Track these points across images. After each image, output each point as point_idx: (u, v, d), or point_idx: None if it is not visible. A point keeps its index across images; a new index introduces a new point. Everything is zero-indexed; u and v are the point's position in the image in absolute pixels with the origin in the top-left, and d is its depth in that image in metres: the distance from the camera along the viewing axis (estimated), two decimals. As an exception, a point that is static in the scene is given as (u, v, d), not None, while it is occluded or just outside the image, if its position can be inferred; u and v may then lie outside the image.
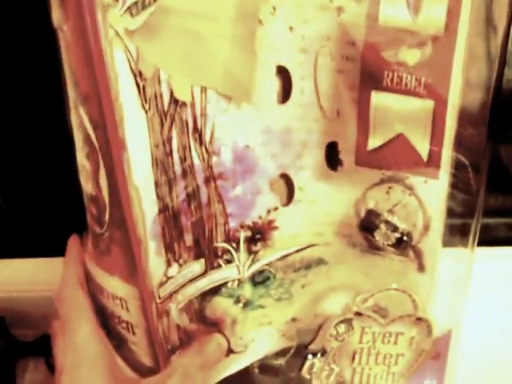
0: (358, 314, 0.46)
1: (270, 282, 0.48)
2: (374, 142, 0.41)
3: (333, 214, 0.46)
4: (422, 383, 0.52)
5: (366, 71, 0.40)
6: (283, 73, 0.42)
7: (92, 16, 0.35)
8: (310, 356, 0.47)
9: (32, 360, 0.63)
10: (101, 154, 0.40)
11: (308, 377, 0.48)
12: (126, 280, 0.43)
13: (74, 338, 0.44)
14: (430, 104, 0.40)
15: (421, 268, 0.47)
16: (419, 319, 0.46)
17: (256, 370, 0.50)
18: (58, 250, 0.48)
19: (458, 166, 0.42)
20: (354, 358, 0.48)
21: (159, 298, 0.43)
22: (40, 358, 0.63)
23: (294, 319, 0.50)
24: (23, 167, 0.57)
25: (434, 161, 0.41)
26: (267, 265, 0.47)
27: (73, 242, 0.47)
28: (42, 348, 0.62)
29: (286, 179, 0.45)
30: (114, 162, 0.38)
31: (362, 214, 0.45)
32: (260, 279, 0.48)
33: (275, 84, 0.43)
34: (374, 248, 0.47)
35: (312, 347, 0.47)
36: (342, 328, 0.46)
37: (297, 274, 0.48)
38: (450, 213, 0.45)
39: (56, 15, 0.38)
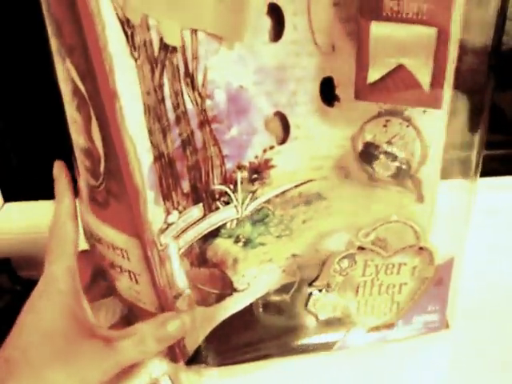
0: (361, 248, 0.47)
1: (268, 220, 0.48)
2: (373, 75, 0.41)
3: (330, 148, 0.47)
4: (426, 309, 0.54)
5: (365, 2, 0.39)
6: (275, 10, 0.41)
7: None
8: (315, 291, 0.48)
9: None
10: (91, 105, 0.39)
11: (314, 311, 0.50)
12: (125, 231, 0.44)
13: (48, 270, 0.45)
14: (432, 31, 0.39)
15: (420, 198, 0.47)
16: (421, 249, 0.47)
17: (260, 310, 0.52)
18: None
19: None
20: (357, 291, 0.50)
21: (161, 245, 0.44)
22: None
23: (294, 255, 0.51)
24: (29, 113, 0.57)
25: (436, 90, 0.40)
26: (265, 202, 0.48)
27: (59, 170, 0.47)
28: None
29: (281, 117, 0.45)
30: (106, 112, 0.38)
31: (360, 147, 0.45)
32: (259, 217, 0.48)
33: (267, 22, 0.42)
34: (372, 180, 0.47)
35: (317, 283, 0.48)
36: (345, 263, 0.47)
37: (296, 209, 0.49)
38: (453, 145, 0.45)
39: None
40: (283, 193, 0.48)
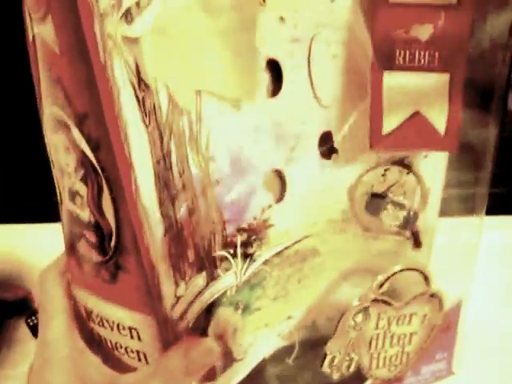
0: (375, 300, 0.46)
1: (266, 282, 0.47)
2: (389, 125, 0.41)
3: (327, 203, 0.46)
4: (434, 358, 0.54)
5: (377, 52, 0.40)
6: (273, 65, 0.41)
7: (90, 27, 0.33)
8: (329, 351, 0.47)
9: (12, 320, 0.66)
10: (104, 176, 0.37)
11: (329, 371, 0.48)
12: (137, 308, 0.41)
13: (45, 334, 0.43)
14: (445, 77, 0.40)
15: (417, 244, 0.48)
16: (431, 296, 0.47)
17: (266, 379, 0.50)
18: (38, 217, 0.45)
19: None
20: (370, 345, 0.49)
21: (172, 320, 0.41)
22: (21, 317, 0.66)
23: (289, 317, 0.50)
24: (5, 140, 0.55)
25: (451, 134, 0.41)
26: (263, 264, 0.46)
27: None
28: (22, 308, 0.65)
29: (279, 174, 0.45)
30: (121, 183, 0.36)
31: (358, 200, 0.45)
32: (256, 280, 0.47)
33: (265, 78, 0.41)
34: (367, 231, 0.47)
35: (333, 342, 0.47)
36: (359, 317, 0.47)
37: (292, 268, 0.48)
38: (458, 182, 0.46)
39: (42, 29, 0.35)
40: (280, 252, 0.47)
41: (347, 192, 0.46)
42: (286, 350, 0.50)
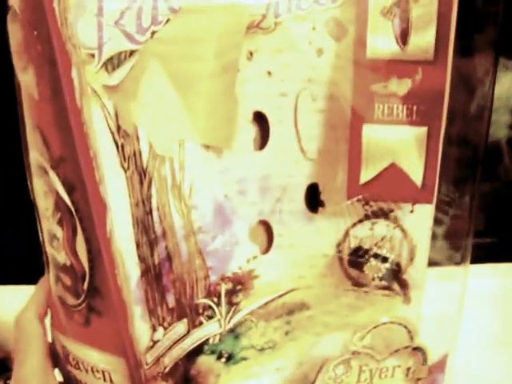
0: (356, 352, 0.45)
1: (252, 332, 0.47)
2: (366, 175, 0.41)
3: (314, 257, 0.46)
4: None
5: (356, 106, 0.40)
6: (260, 118, 0.42)
7: (67, 75, 0.34)
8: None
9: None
10: (78, 217, 0.38)
11: (308, 423, 0.47)
12: (109, 350, 0.42)
13: (20, 371, 0.43)
14: (422, 131, 0.40)
15: (406, 299, 0.47)
16: (415, 349, 0.46)
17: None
18: (19, 278, 0.46)
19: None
20: (353, 398, 0.48)
21: (146, 363, 0.42)
22: (-1, 380, 0.68)
23: (277, 369, 0.49)
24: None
25: (428, 187, 0.41)
26: (248, 314, 0.46)
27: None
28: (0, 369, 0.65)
29: (265, 226, 0.45)
30: (95, 225, 0.37)
31: (346, 254, 0.45)
32: (241, 330, 0.46)
33: (252, 130, 0.42)
34: (357, 286, 0.46)
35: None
36: (340, 369, 0.46)
37: (279, 320, 0.47)
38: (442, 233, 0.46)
39: (24, 78, 0.37)
40: (266, 303, 0.46)
41: (335, 246, 0.46)
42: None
